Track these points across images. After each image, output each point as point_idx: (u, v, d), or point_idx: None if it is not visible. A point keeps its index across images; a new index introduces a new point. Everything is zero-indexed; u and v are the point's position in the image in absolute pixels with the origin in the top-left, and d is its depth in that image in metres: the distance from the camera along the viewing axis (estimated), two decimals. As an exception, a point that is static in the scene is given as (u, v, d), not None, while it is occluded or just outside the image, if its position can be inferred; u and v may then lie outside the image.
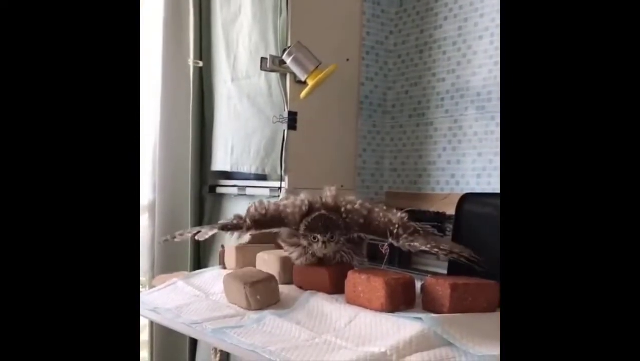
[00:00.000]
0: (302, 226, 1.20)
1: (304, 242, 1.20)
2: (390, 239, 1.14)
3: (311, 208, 1.23)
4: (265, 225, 1.22)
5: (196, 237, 1.23)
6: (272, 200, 1.29)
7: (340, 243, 1.20)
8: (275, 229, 1.25)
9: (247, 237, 1.38)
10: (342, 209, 1.22)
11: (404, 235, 1.13)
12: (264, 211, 1.23)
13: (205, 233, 1.21)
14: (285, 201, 1.27)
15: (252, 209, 1.24)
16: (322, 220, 1.19)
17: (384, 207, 1.24)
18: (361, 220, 1.20)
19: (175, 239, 1.21)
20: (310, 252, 1.21)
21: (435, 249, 1.11)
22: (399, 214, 1.19)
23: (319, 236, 1.18)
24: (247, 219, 1.20)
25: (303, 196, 1.25)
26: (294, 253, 1.25)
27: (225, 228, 1.20)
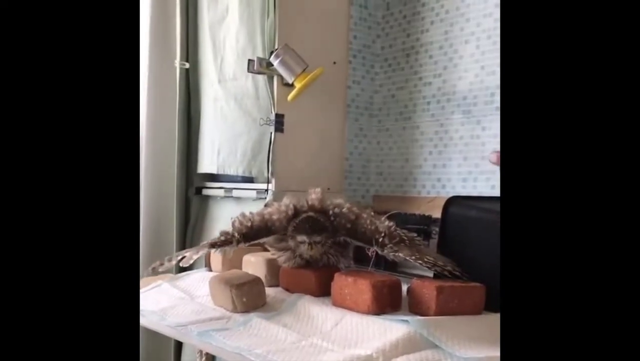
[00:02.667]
0: (290, 228, 1.20)
1: (292, 243, 1.20)
2: (375, 248, 1.15)
3: (297, 211, 1.23)
4: (253, 237, 1.22)
5: (181, 263, 1.21)
6: (255, 211, 1.29)
7: (327, 245, 1.20)
8: (263, 239, 1.25)
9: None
10: (331, 212, 1.22)
11: (389, 245, 1.14)
12: (249, 224, 1.22)
13: (190, 258, 1.20)
14: (269, 209, 1.27)
15: (237, 224, 1.23)
16: (309, 222, 1.19)
17: (372, 213, 1.24)
18: (348, 225, 1.21)
19: (161, 269, 1.20)
20: (298, 254, 1.21)
21: (420, 261, 1.11)
22: (386, 223, 1.19)
23: (305, 238, 1.18)
24: (235, 234, 1.20)
25: (287, 201, 1.25)
26: (281, 257, 1.25)
27: (215, 245, 1.20)
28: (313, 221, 1.19)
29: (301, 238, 1.18)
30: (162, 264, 1.19)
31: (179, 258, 1.20)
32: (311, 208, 1.23)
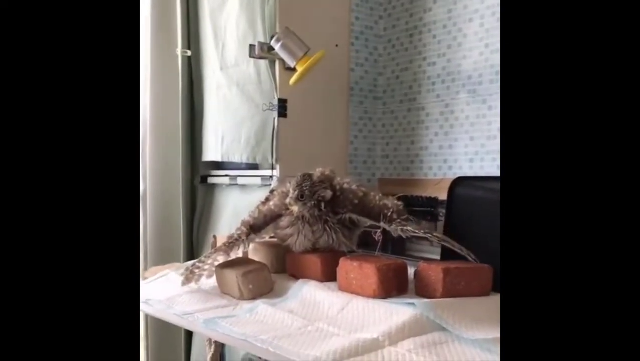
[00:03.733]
0: (291, 192, 1.19)
1: (289, 199, 1.19)
2: (382, 223, 1.14)
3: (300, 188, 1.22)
4: (260, 226, 1.23)
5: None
6: (261, 197, 1.29)
7: (309, 205, 1.18)
8: (271, 225, 1.25)
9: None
10: (338, 186, 1.21)
11: (398, 220, 1.13)
12: (256, 214, 1.23)
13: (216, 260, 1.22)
14: (274, 200, 1.27)
15: (246, 217, 1.25)
16: (301, 177, 1.19)
17: (380, 194, 1.24)
18: (355, 201, 1.19)
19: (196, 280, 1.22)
20: (305, 230, 1.19)
21: (428, 235, 1.10)
22: (394, 200, 1.18)
23: (290, 190, 1.17)
24: (243, 227, 1.21)
25: (288, 183, 1.24)
26: (289, 239, 1.24)
27: (228, 246, 1.21)
28: (303, 177, 1.18)
29: (302, 193, 1.17)
30: (192, 272, 1.21)
31: (206, 267, 1.22)
32: (314, 180, 1.22)
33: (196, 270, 1.22)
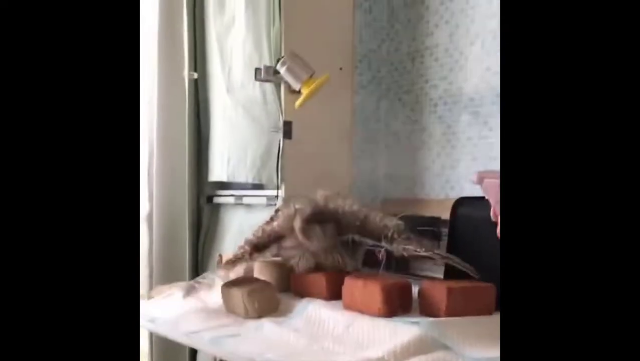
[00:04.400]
0: (297, 222, 1.21)
1: (301, 237, 1.20)
2: (384, 243, 1.16)
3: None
4: (263, 246, 1.25)
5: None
6: (266, 217, 1.31)
7: (335, 237, 1.20)
8: (274, 246, 1.27)
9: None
10: (340, 210, 1.23)
11: (399, 239, 1.14)
12: (260, 234, 1.25)
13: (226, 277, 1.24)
14: (278, 221, 1.29)
15: (250, 237, 1.27)
16: (318, 214, 1.20)
17: (381, 214, 1.25)
18: (357, 223, 1.22)
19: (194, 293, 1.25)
20: (307, 251, 1.21)
21: (430, 253, 1.12)
22: (395, 220, 1.20)
23: (317, 228, 1.18)
24: (246, 247, 1.24)
25: (292, 207, 1.27)
26: (292, 260, 1.25)
27: (231, 263, 1.23)
28: (322, 214, 1.21)
29: (313, 229, 1.19)
30: (193, 287, 1.23)
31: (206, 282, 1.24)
32: (316, 207, 1.24)
33: (196, 285, 1.24)
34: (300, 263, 1.24)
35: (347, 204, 1.25)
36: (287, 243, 1.24)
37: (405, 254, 1.15)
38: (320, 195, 1.28)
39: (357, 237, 1.21)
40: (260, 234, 1.27)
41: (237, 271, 1.24)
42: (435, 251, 1.12)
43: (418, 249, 1.11)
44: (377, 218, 1.21)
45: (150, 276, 1.99)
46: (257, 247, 1.24)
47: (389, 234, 1.15)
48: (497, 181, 0.81)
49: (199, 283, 1.25)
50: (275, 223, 1.28)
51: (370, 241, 1.21)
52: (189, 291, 1.23)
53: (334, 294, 1.18)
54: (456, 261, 1.11)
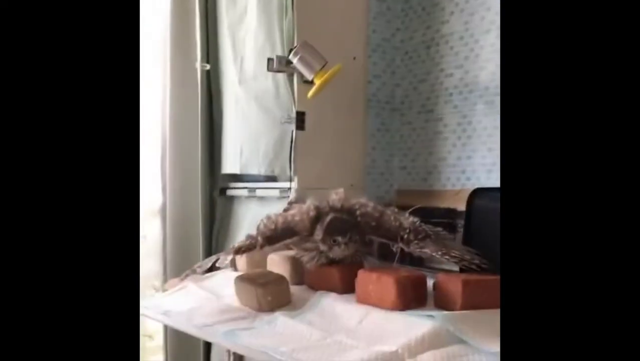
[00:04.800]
0: (319, 232, 1.19)
1: (323, 247, 1.19)
2: (401, 244, 1.14)
3: (319, 212, 1.23)
4: (276, 239, 1.24)
5: (217, 264, 1.25)
6: (279, 209, 1.30)
7: (358, 243, 1.20)
8: (287, 241, 1.26)
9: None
10: (358, 212, 1.22)
11: (415, 241, 1.13)
12: (273, 226, 1.24)
13: (222, 262, 1.23)
14: (292, 211, 1.28)
15: (262, 227, 1.25)
16: (339, 223, 1.19)
17: (396, 210, 1.24)
18: (373, 223, 1.20)
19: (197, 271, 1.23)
20: (330, 256, 1.20)
21: (446, 257, 1.10)
22: (410, 218, 1.19)
23: (339, 239, 1.17)
24: (259, 237, 1.22)
25: (309, 203, 1.25)
26: (304, 257, 1.24)
27: (240, 251, 1.22)
28: (342, 222, 1.19)
29: (334, 239, 1.17)
30: (194, 271, 1.22)
31: (209, 264, 1.23)
32: (333, 208, 1.23)
33: (198, 268, 1.23)
34: (315, 261, 1.23)
35: (362, 205, 1.23)
36: (305, 244, 1.23)
37: (422, 256, 1.13)
38: (335, 197, 1.26)
39: (373, 237, 1.20)
40: (273, 226, 1.25)
41: (244, 261, 1.24)
42: (452, 253, 1.10)
43: (434, 253, 1.10)
44: (392, 218, 1.19)
45: (164, 268, 1.99)
46: (270, 240, 1.23)
47: (405, 236, 1.13)
48: None
49: (200, 266, 1.24)
50: (289, 217, 1.26)
51: (386, 241, 1.20)
52: (191, 272, 1.22)
53: (348, 287, 1.16)
54: (475, 262, 1.09)
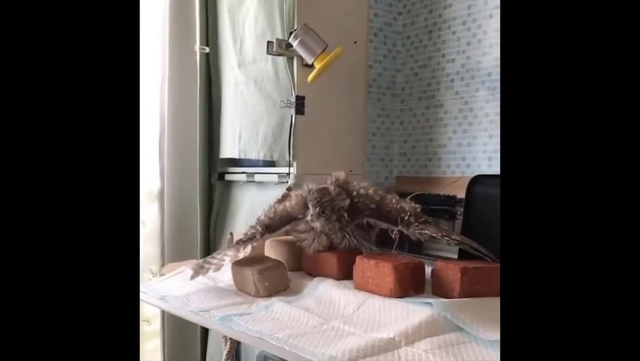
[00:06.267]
0: (309, 203, 1.19)
1: (312, 223, 1.18)
2: (400, 227, 1.13)
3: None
4: (275, 227, 1.23)
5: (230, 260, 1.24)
6: (277, 194, 1.29)
7: (350, 227, 1.18)
8: (286, 227, 1.25)
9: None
10: (355, 193, 1.20)
11: (416, 223, 1.12)
12: (272, 215, 1.24)
13: (234, 258, 1.22)
14: (291, 200, 1.27)
15: (262, 217, 1.25)
16: (320, 193, 1.18)
17: (397, 196, 1.23)
18: (373, 205, 1.19)
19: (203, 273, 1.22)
20: (319, 233, 1.19)
21: (447, 238, 1.09)
22: (412, 203, 1.18)
23: (311, 208, 1.16)
24: (258, 227, 1.22)
25: (306, 187, 1.24)
26: (304, 241, 1.23)
27: (241, 243, 1.21)
28: (322, 192, 1.18)
29: (316, 211, 1.17)
30: (202, 267, 1.21)
31: (215, 262, 1.22)
32: (326, 192, 1.21)
33: (205, 265, 1.22)
34: (313, 245, 1.22)
35: (362, 187, 1.22)
36: (301, 226, 1.22)
37: (421, 238, 1.12)
38: (334, 177, 1.25)
39: (372, 220, 1.19)
40: (272, 215, 1.25)
41: (247, 251, 1.22)
42: (452, 236, 1.09)
43: (435, 235, 1.09)
44: (393, 201, 1.19)
45: (162, 253, 1.98)
46: (269, 228, 1.22)
47: (406, 218, 1.12)
48: None
49: (208, 263, 1.23)
50: (287, 204, 1.26)
51: (385, 225, 1.18)
52: (198, 272, 1.21)
53: (346, 273, 1.16)
54: (474, 247, 1.08)
